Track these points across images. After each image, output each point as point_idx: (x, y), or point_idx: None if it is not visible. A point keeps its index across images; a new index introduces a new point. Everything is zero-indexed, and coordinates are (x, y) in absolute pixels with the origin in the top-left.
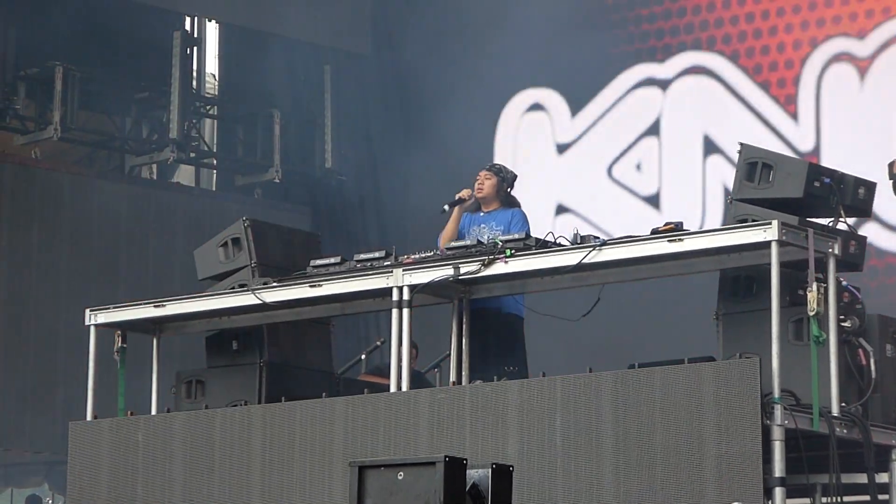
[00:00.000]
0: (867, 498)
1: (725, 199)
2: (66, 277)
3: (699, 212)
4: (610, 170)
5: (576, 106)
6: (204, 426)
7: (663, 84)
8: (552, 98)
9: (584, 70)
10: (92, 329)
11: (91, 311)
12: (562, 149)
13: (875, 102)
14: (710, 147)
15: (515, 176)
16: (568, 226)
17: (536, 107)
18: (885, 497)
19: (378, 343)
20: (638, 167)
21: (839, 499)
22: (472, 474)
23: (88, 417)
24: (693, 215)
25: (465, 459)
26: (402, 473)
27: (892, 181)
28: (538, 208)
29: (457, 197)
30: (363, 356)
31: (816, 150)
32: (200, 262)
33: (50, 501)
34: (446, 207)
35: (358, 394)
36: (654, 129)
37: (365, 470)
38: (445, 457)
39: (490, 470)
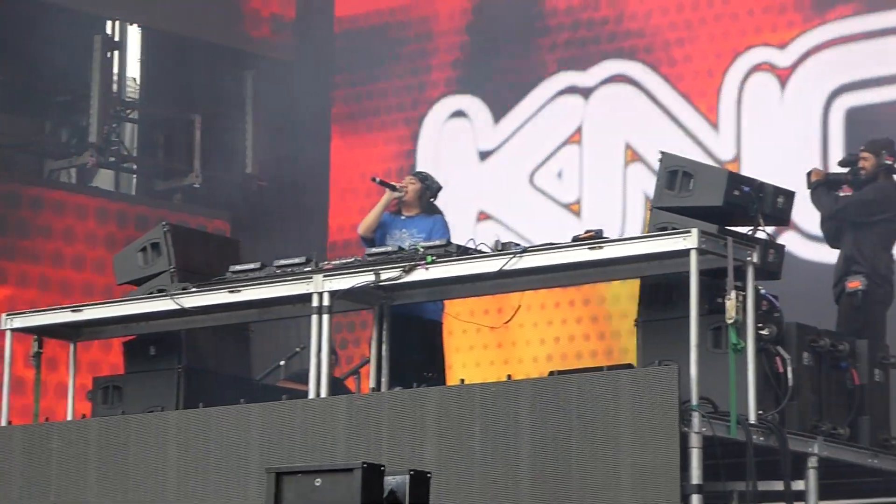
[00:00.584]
0: None
1: (646, 208)
2: None
3: (619, 220)
4: (532, 177)
5: (498, 113)
6: (119, 432)
7: (585, 92)
8: (474, 105)
9: (506, 77)
10: (8, 333)
11: (7, 315)
12: (484, 156)
13: (795, 112)
14: (631, 155)
15: (440, 187)
16: (489, 233)
17: (459, 114)
18: None
19: (297, 349)
20: (559, 175)
21: None
22: (390, 481)
23: (2, 423)
24: (613, 223)
25: (383, 466)
26: (319, 480)
27: (810, 190)
28: (460, 215)
29: (390, 181)
30: (282, 363)
31: (737, 160)
32: (119, 267)
33: None
34: (377, 179)
35: (276, 400)
36: (576, 137)
37: (282, 476)
38: (363, 463)
39: (408, 476)
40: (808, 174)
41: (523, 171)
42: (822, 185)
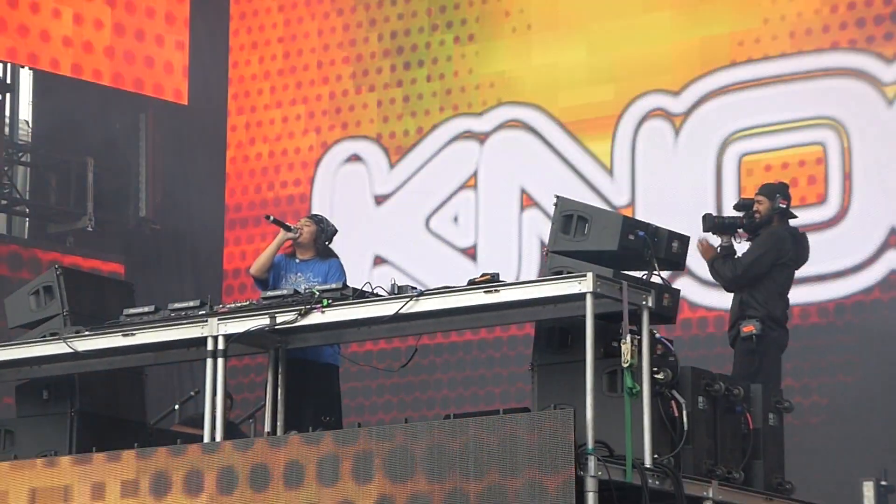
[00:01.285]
0: None
1: (541, 253)
2: None
3: (515, 265)
4: (427, 222)
5: (393, 157)
6: (12, 476)
7: (481, 137)
8: (370, 149)
9: (402, 121)
10: None
11: None
12: (380, 200)
13: (689, 158)
14: (527, 200)
15: (335, 231)
16: (386, 277)
17: (354, 157)
18: None
19: (192, 394)
20: (455, 219)
21: None
22: None
23: None
24: (509, 268)
25: None
26: None
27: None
28: (356, 259)
29: (285, 221)
30: (177, 406)
31: (631, 204)
32: (11, 310)
33: None
34: (271, 218)
35: (170, 445)
36: (471, 182)
37: None
38: None
39: None
40: (704, 217)
41: (419, 215)
42: (716, 259)
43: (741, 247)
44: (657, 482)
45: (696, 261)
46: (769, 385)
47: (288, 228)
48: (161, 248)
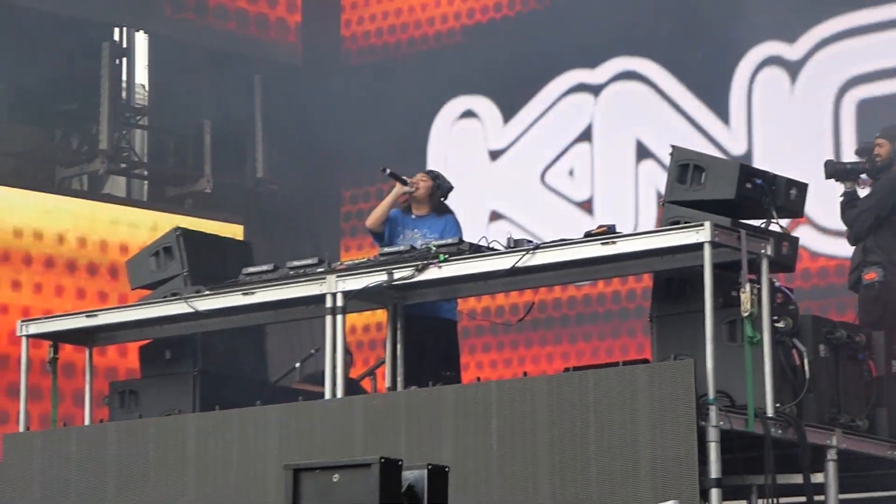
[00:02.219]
0: (803, 499)
1: (658, 204)
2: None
3: (632, 217)
4: (543, 176)
5: (508, 112)
6: (137, 436)
7: (595, 89)
8: (484, 105)
9: (516, 76)
10: (24, 340)
11: (22, 321)
12: (494, 155)
13: (806, 105)
14: (643, 152)
15: (451, 187)
16: (502, 232)
17: (468, 114)
18: (821, 498)
19: (312, 351)
20: (571, 173)
21: (775, 500)
22: (408, 475)
23: (21, 429)
24: (626, 220)
25: (401, 461)
26: (337, 476)
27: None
28: (471, 215)
29: (402, 176)
30: (298, 364)
31: (748, 155)
32: (132, 271)
33: None
34: (387, 171)
35: (293, 401)
36: (586, 135)
37: (300, 473)
38: (381, 458)
39: (426, 471)
40: (826, 163)
41: (534, 169)
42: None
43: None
44: (779, 431)
45: (815, 209)
46: (891, 332)
47: (404, 182)
48: (278, 209)
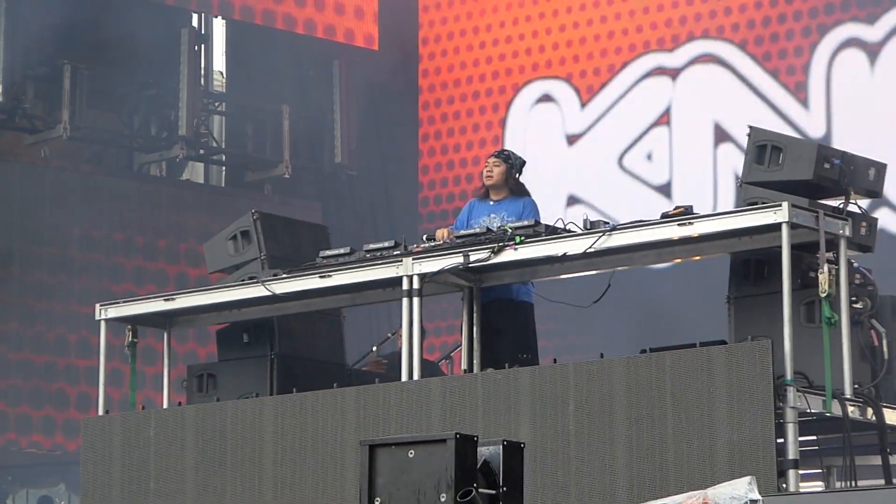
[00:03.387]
0: (882, 482)
1: (736, 187)
2: (79, 273)
3: (710, 200)
4: (620, 160)
5: (585, 96)
6: (215, 419)
7: (673, 73)
8: (561, 89)
9: (593, 60)
10: (102, 324)
11: (101, 305)
12: (572, 139)
13: (886, 87)
14: (721, 135)
15: (524, 161)
16: (579, 216)
17: (546, 98)
18: None
19: (389, 335)
20: (649, 157)
21: (853, 482)
22: (484, 451)
23: (100, 412)
24: (704, 203)
25: (476, 436)
26: (412, 451)
27: None
28: (549, 199)
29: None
30: (374, 348)
31: (827, 137)
32: (210, 255)
33: (63, 502)
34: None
35: (369, 384)
36: (664, 119)
37: (376, 448)
38: (456, 434)
39: (501, 447)
40: None
41: (612, 153)
42: None
43: None
44: (858, 412)
45: (894, 190)
46: None
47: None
48: (356, 194)
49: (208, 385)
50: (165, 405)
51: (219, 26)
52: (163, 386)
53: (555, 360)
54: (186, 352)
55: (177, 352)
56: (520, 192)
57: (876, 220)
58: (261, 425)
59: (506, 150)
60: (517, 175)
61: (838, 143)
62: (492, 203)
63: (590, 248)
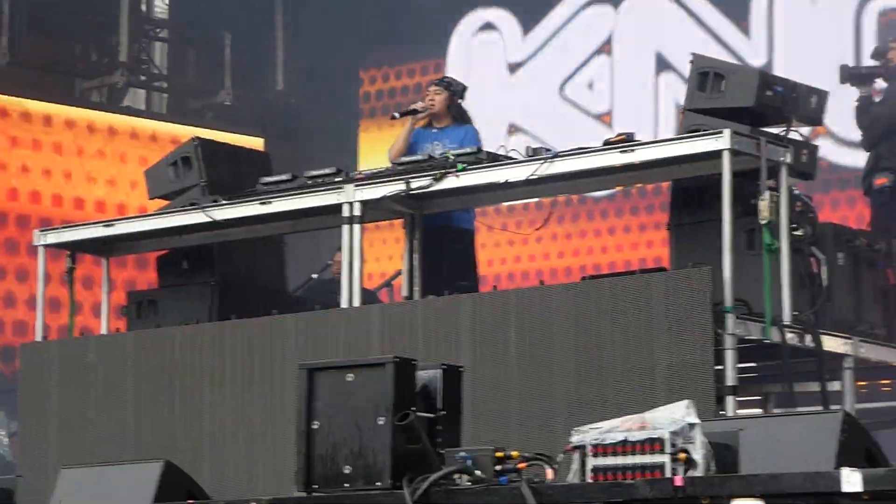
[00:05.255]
0: (820, 408)
1: (678, 117)
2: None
3: (651, 129)
4: (562, 88)
5: (527, 25)
6: (156, 345)
7: (615, 2)
8: (503, 17)
9: None
10: (41, 249)
11: (40, 231)
12: (514, 68)
13: (827, 15)
14: (662, 65)
15: (465, 87)
16: (521, 145)
17: (488, 26)
18: (838, 406)
19: (329, 263)
20: (590, 86)
21: (792, 408)
22: (423, 375)
23: (38, 338)
24: (646, 133)
25: (415, 360)
26: (351, 375)
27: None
28: (490, 128)
29: (410, 107)
30: (315, 275)
31: (769, 66)
32: (151, 181)
33: (2, 430)
34: (397, 115)
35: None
36: (606, 48)
37: (314, 372)
38: (395, 357)
39: (440, 371)
40: (841, 67)
41: (553, 82)
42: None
43: None
44: (797, 339)
45: (835, 121)
46: None
47: (415, 112)
48: (298, 121)
49: (148, 312)
50: (104, 332)
51: None
52: (101, 313)
53: (495, 287)
54: (126, 280)
55: (115, 279)
56: (462, 119)
57: (817, 147)
58: (201, 351)
59: (447, 78)
60: (459, 101)
61: (780, 71)
62: (434, 131)
63: (532, 174)
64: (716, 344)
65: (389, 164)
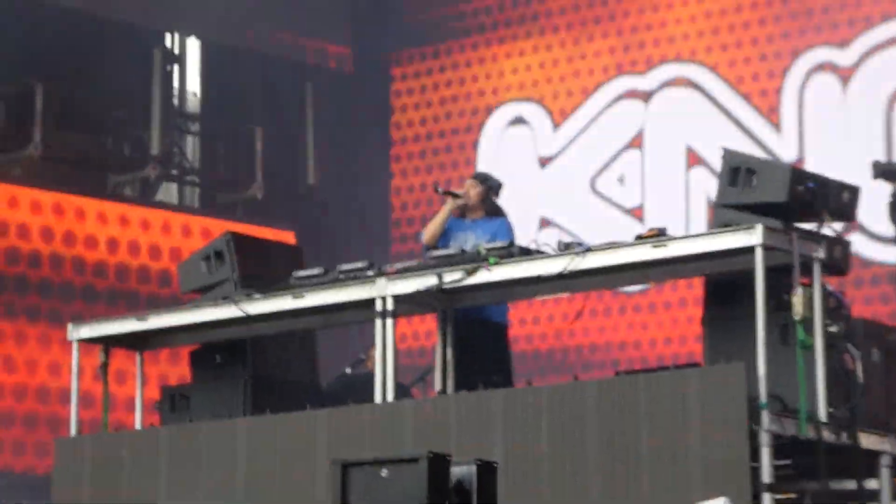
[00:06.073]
0: None
1: (709, 212)
2: (52, 293)
3: (683, 223)
4: (593, 183)
5: (558, 119)
6: (189, 440)
7: (645, 96)
8: (534, 111)
9: (565, 83)
10: (74, 343)
11: (74, 324)
12: (544, 162)
13: (858, 111)
14: (694, 159)
15: (501, 184)
16: (552, 239)
17: (518, 120)
18: None
19: (362, 356)
20: (621, 180)
21: None
22: (457, 471)
23: (72, 433)
24: (677, 227)
25: (450, 456)
26: (385, 471)
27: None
28: (521, 222)
29: (452, 189)
30: (348, 370)
31: (800, 159)
32: (183, 275)
33: None
34: (440, 190)
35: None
36: (636, 142)
37: (348, 468)
38: (429, 453)
39: (475, 466)
40: (873, 164)
41: (584, 176)
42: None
43: None
44: (833, 436)
45: (867, 216)
46: None
47: (457, 196)
48: (330, 216)
49: (181, 406)
50: (138, 426)
51: (193, 46)
52: (135, 408)
53: (528, 382)
54: (158, 374)
55: (147, 374)
56: (495, 212)
57: (849, 242)
58: (234, 446)
59: (483, 173)
60: (494, 197)
61: (811, 167)
62: (467, 222)
63: (565, 269)
64: (751, 441)
65: (422, 244)
